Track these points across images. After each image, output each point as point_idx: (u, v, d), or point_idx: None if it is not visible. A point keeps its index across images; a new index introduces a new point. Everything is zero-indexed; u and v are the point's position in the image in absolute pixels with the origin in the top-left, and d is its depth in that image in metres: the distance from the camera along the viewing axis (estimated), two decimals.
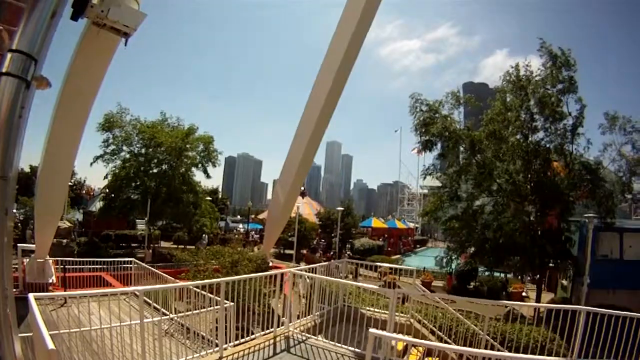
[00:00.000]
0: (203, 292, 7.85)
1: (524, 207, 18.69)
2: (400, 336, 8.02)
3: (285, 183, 17.74)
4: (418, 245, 63.24)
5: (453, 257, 20.79)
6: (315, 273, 11.52)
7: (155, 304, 14.09)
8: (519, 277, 26.95)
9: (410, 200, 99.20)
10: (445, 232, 21.51)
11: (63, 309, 12.60)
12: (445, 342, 10.05)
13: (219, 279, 7.77)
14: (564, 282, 22.81)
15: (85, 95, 12.00)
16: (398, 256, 45.63)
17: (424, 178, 21.90)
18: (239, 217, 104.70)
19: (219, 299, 7.59)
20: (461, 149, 19.53)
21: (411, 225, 69.72)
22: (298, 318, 9.97)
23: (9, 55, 3.25)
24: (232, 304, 7.70)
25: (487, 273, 22.13)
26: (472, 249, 20.11)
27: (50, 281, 14.74)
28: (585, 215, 17.54)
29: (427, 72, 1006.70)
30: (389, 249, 46.69)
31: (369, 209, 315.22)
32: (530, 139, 18.50)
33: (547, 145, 18.43)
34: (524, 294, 26.26)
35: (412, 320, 10.61)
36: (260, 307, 9.06)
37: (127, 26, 9.58)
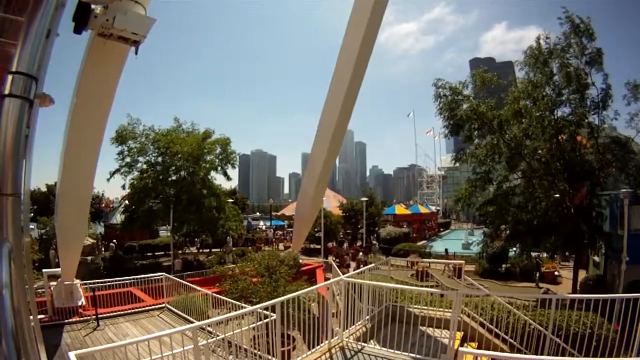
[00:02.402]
0: (259, 309, 7.34)
1: (555, 185, 18.25)
2: (491, 353, 7.47)
3: (311, 180, 17.33)
4: (442, 229, 62.65)
5: (489, 242, 20.29)
6: (363, 274, 11.05)
7: (186, 315, 13.85)
8: (553, 257, 26.50)
9: (429, 183, 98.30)
10: (481, 217, 20.98)
11: (97, 332, 12.40)
12: (497, 335, 9.53)
13: (274, 301, 7.19)
14: (596, 258, 22.29)
15: (97, 111, 11.38)
16: (424, 242, 45.13)
17: (455, 163, 21.35)
18: (258, 214, 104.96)
19: (273, 315, 7.12)
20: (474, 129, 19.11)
21: (433, 208, 68.83)
22: (333, 316, 9.65)
23: (9, 77, 3.44)
24: (275, 315, 7.26)
25: (524, 254, 21.55)
26: (507, 232, 19.65)
27: (80, 303, 14.35)
28: (622, 190, 17.00)
29: (428, 53, 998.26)
30: (415, 235, 46.15)
31: (386, 194, 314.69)
32: (556, 113, 18.02)
33: (573, 119, 17.91)
34: (556, 273, 25.73)
35: (462, 315, 10.11)
36: (302, 313, 8.61)
37: (136, 33, 8.99)
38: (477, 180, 19.34)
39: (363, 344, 8.31)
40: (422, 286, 19.45)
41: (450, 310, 10.26)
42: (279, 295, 12.15)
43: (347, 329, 8.62)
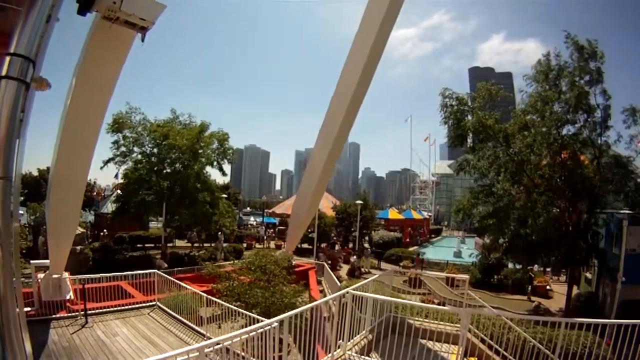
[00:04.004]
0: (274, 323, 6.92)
1: (555, 201, 18.19)
2: None
3: (309, 183, 17.09)
4: (433, 235, 62.58)
5: (487, 255, 20.25)
6: (367, 285, 10.76)
7: (176, 315, 13.47)
8: (545, 271, 26.52)
9: (422, 189, 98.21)
10: (482, 229, 20.88)
11: (85, 330, 11.87)
12: (496, 351, 9.28)
13: (282, 316, 6.83)
14: (588, 275, 22.31)
15: (97, 98, 10.77)
16: (415, 247, 44.96)
17: (458, 173, 21.18)
18: (248, 208, 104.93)
19: (274, 323, 6.75)
20: (479, 140, 19.00)
21: (425, 214, 68.75)
22: (328, 320, 9.44)
23: (7, 58, 3.43)
24: (276, 324, 6.92)
25: (523, 268, 21.55)
26: (505, 245, 19.54)
27: (68, 297, 13.74)
28: (622, 211, 17.35)
29: (425, 59, 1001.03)
30: (406, 240, 45.94)
31: (378, 197, 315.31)
32: (562, 131, 18.03)
33: (579, 137, 17.92)
34: (547, 287, 25.64)
35: (463, 330, 9.90)
36: (295, 318, 8.33)
37: (144, 19, 8.56)
38: (480, 193, 19.22)
39: (366, 357, 8.10)
40: (414, 293, 19.48)
41: (450, 324, 10.14)
42: (276, 300, 11.87)
43: (349, 340, 8.34)
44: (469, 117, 18.42)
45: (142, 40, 9.19)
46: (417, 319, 10.16)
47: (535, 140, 17.79)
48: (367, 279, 12.32)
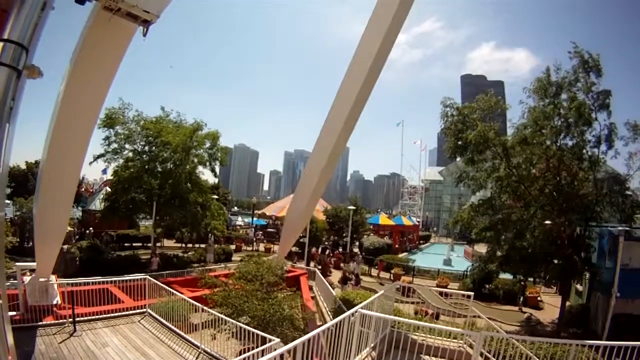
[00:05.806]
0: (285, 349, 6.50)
1: (552, 215, 18.15)
2: None
3: (305, 190, 16.81)
4: (422, 242, 62.44)
5: (484, 267, 20.23)
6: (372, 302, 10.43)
7: (167, 323, 13.00)
8: (535, 282, 26.59)
9: (411, 194, 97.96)
10: (478, 240, 20.89)
11: (73, 339, 11.30)
12: None
13: (296, 342, 6.41)
14: (579, 286, 22.32)
15: (92, 93, 10.16)
16: (405, 254, 44.77)
17: (457, 185, 21.09)
18: (236, 208, 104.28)
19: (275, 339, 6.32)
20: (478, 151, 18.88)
21: (415, 220, 68.60)
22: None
23: (0, 44, 3.33)
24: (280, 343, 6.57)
25: (521, 281, 21.64)
26: (501, 257, 19.49)
27: (55, 302, 13.06)
28: (619, 227, 17.40)
29: (415, 66, 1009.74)
30: (396, 246, 45.66)
31: (365, 200, 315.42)
32: (560, 144, 18.02)
33: (576, 151, 17.87)
34: (538, 298, 25.63)
35: (465, 346, 9.70)
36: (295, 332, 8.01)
37: (148, 12, 8.01)
38: (480, 207, 19.15)
39: None
40: (407, 302, 19.27)
41: (453, 340, 9.94)
42: (274, 311, 11.48)
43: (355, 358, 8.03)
44: (471, 132, 18.20)
45: (144, 34, 8.56)
46: (418, 334, 9.95)
47: (534, 154, 17.87)
48: (366, 288, 12.06)
